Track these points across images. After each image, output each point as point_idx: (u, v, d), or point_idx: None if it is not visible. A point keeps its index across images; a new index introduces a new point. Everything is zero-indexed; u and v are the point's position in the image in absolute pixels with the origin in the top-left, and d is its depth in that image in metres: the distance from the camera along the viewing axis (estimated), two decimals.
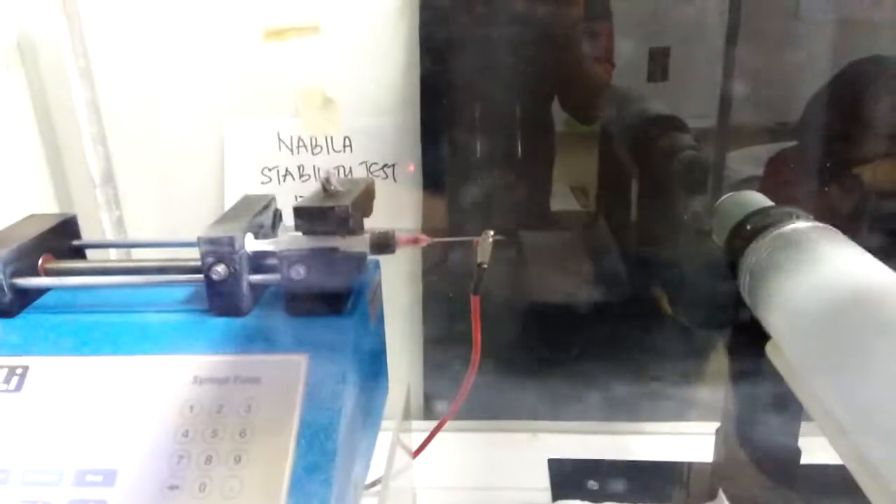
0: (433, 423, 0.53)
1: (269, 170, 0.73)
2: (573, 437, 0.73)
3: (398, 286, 0.76)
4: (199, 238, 0.38)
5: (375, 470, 0.46)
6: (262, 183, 0.73)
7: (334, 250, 0.38)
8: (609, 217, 0.76)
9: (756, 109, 0.72)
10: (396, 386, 0.54)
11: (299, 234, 0.39)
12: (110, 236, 0.71)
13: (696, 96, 0.72)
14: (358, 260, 0.43)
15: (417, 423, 0.59)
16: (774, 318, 0.44)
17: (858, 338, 0.36)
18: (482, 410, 0.75)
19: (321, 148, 0.72)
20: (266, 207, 0.44)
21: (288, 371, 0.38)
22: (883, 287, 0.38)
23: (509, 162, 0.73)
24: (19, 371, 0.38)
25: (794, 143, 0.72)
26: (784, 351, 0.44)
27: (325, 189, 0.40)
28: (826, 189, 0.72)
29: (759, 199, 0.54)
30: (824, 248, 0.43)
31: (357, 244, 0.39)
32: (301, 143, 0.72)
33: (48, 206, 0.72)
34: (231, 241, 0.38)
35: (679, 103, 0.71)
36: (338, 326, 0.39)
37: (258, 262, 0.40)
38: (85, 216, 0.72)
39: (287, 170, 0.73)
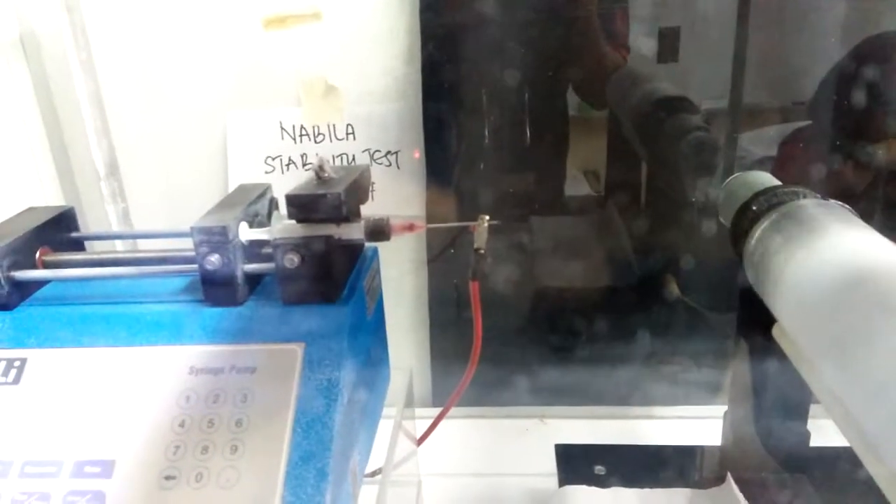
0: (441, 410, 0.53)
1: (273, 159, 0.73)
2: (581, 423, 0.73)
3: (403, 273, 0.76)
4: (192, 228, 0.38)
5: (378, 458, 0.46)
6: (266, 172, 0.73)
7: (328, 238, 0.38)
8: (621, 201, 0.76)
9: (769, 89, 0.71)
10: (400, 373, 0.54)
11: (293, 222, 0.39)
12: (116, 229, 0.72)
13: (707, 77, 0.70)
14: (353, 247, 0.43)
15: (425, 410, 0.59)
16: (779, 300, 0.43)
17: (864, 317, 0.35)
18: (492, 396, 0.75)
19: (324, 136, 0.72)
20: (261, 196, 0.43)
21: (283, 360, 0.38)
22: (889, 265, 0.37)
23: (520, 148, 0.73)
24: (17, 363, 0.38)
25: (808, 122, 0.71)
26: (789, 332, 0.43)
27: (319, 176, 0.40)
28: (842, 168, 0.71)
29: (766, 179, 0.53)
30: (829, 227, 0.42)
31: (351, 231, 0.39)
32: (304, 132, 0.72)
33: (53, 200, 0.72)
34: (224, 231, 0.38)
35: (690, 84, 0.70)
36: (333, 315, 0.39)
37: (253, 251, 0.40)
38: (91, 209, 0.73)
39: (290, 159, 0.73)
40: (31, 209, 0.46)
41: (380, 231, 0.40)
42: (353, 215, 0.40)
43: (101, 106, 0.70)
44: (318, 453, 0.35)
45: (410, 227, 0.40)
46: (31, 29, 0.70)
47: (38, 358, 0.39)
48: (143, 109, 0.72)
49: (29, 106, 0.71)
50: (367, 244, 0.46)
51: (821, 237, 0.41)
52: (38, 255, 0.42)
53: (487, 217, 0.41)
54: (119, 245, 0.70)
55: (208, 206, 0.42)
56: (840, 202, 0.46)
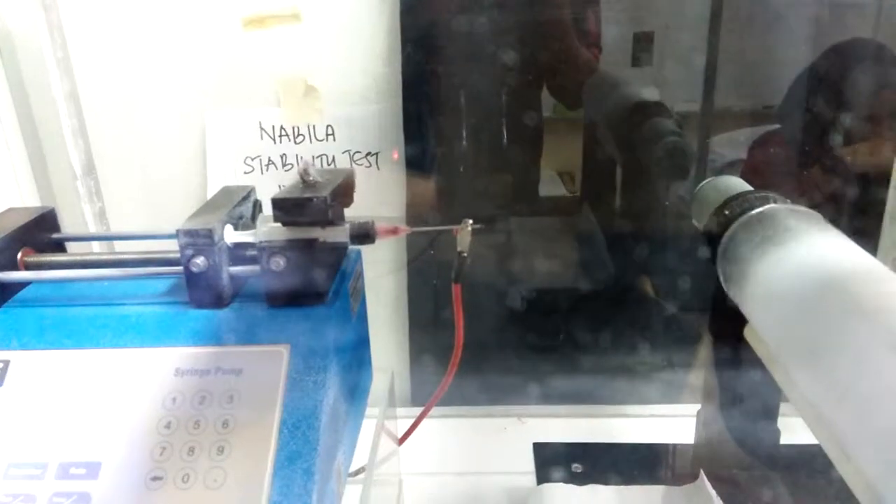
0: (420, 410, 0.53)
1: (252, 159, 0.73)
2: (559, 421, 0.74)
3: (383, 274, 0.77)
4: (177, 230, 0.38)
5: (360, 457, 0.47)
6: (245, 173, 0.73)
7: (313, 241, 0.39)
8: (595, 202, 0.77)
9: (740, 93, 0.73)
10: (382, 374, 0.54)
11: (278, 225, 0.39)
12: (93, 228, 0.71)
13: (680, 80, 0.72)
14: (338, 250, 0.44)
15: (404, 410, 0.59)
16: (750, 302, 0.44)
17: (832, 321, 0.36)
18: (470, 395, 0.76)
19: (304, 137, 0.72)
20: (245, 198, 0.44)
21: (269, 362, 0.38)
22: (857, 270, 0.39)
23: (496, 149, 0.74)
24: (0, 365, 0.38)
25: (777, 126, 0.73)
26: (760, 333, 0.44)
27: (304, 180, 0.40)
28: (809, 171, 0.73)
29: (738, 184, 0.54)
30: (799, 232, 0.43)
31: (336, 235, 0.39)
32: (283, 133, 0.72)
33: (29, 200, 0.71)
34: (209, 233, 0.38)
35: (663, 88, 0.71)
36: (318, 317, 0.39)
37: (238, 253, 0.40)
38: (67, 208, 0.72)
39: (270, 159, 0.73)
40: (11, 210, 0.46)
41: (365, 234, 0.40)
42: (338, 219, 0.41)
43: (78, 105, 0.69)
44: (304, 453, 0.36)
45: (395, 231, 0.41)
46: (6, 26, 0.69)
47: (22, 360, 0.39)
48: (121, 109, 0.71)
49: (4, 104, 0.70)
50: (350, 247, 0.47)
51: (790, 242, 0.43)
52: (19, 256, 0.42)
53: (471, 221, 0.42)
54: (97, 246, 0.70)
55: (187, 206, 0.42)
56: (807, 208, 0.48)
